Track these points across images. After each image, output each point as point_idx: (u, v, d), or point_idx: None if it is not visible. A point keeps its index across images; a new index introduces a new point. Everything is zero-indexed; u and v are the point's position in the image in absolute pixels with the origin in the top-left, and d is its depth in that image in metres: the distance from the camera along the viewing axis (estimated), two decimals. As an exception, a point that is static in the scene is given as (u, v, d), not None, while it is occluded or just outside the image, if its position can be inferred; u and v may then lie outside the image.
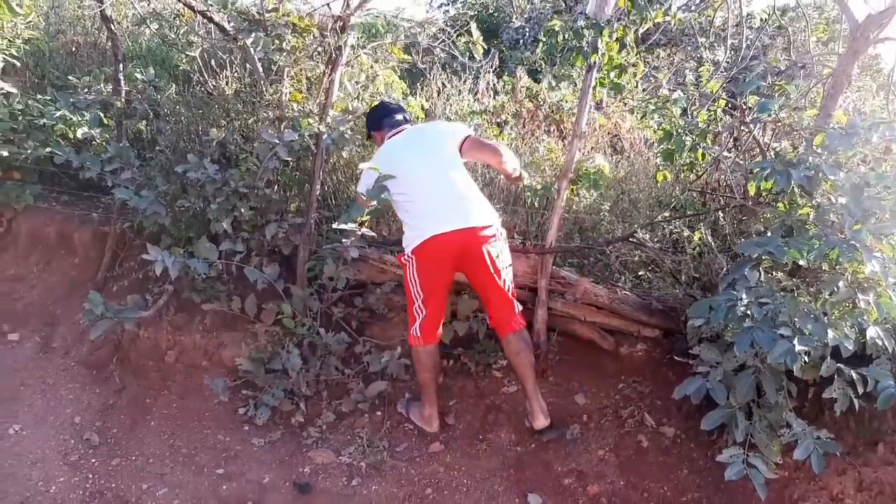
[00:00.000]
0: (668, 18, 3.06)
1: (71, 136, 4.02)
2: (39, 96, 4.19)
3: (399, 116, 3.27)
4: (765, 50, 5.81)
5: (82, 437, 3.07)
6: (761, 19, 6.29)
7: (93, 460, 2.95)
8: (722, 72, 3.77)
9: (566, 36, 2.86)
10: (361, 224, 3.20)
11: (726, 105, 3.21)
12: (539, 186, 3.42)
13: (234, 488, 2.80)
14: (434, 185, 2.98)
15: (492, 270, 2.94)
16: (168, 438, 3.08)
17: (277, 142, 3.28)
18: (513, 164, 3.13)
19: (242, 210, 3.37)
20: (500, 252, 2.98)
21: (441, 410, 3.20)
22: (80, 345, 3.56)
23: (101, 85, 3.82)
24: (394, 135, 3.18)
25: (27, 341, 3.62)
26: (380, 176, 2.94)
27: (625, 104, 4.07)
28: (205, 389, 3.31)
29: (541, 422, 3.02)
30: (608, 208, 3.83)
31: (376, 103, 3.45)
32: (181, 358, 3.45)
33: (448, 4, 10.31)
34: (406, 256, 2.99)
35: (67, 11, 5.64)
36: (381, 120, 3.26)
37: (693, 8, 3.75)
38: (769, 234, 2.74)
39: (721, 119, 3.19)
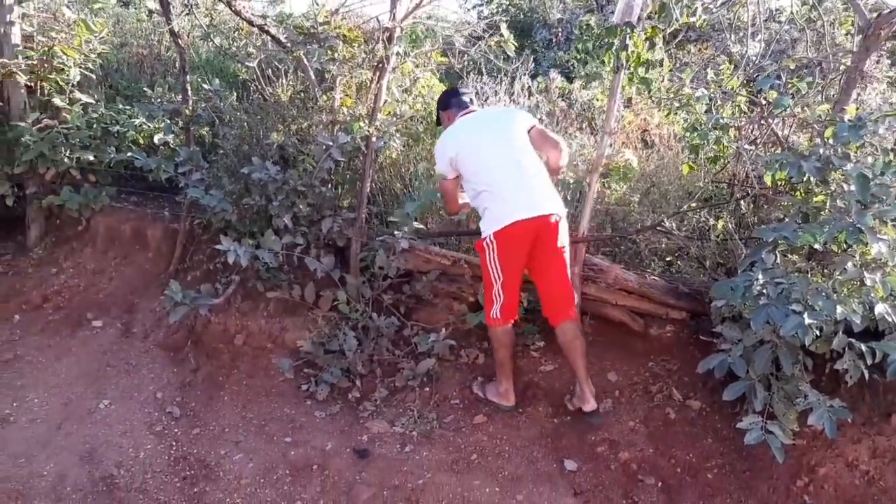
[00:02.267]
0: (693, 20, 3.29)
1: (141, 141, 4.44)
2: (111, 105, 4.61)
3: (467, 98, 3.43)
4: (793, 44, 5.94)
5: (165, 410, 3.44)
6: (791, 13, 6.41)
7: (175, 430, 3.32)
8: (748, 67, 3.97)
9: (599, 33, 3.11)
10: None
11: (748, 100, 3.43)
12: (572, 180, 3.68)
13: (301, 454, 3.13)
14: (510, 170, 3.10)
15: (559, 260, 3.14)
16: (240, 411, 3.44)
17: (331, 144, 3.61)
18: (566, 160, 3.31)
19: (301, 206, 3.70)
20: (566, 242, 3.18)
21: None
22: (158, 330, 3.94)
23: (171, 94, 4.20)
24: (464, 114, 3.33)
25: (110, 327, 4.01)
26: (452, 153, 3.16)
27: (653, 100, 4.29)
28: (270, 368, 3.66)
29: (591, 405, 3.20)
30: (638, 200, 4.07)
31: (446, 89, 3.65)
32: (248, 341, 3.81)
33: (482, 5, 10.56)
34: (487, 240, 3.12)
35: (130, 25, 6.08)
36: (449, 100, 3.43)
37: (717, 6, 3.93)
38: (787, 220, 2.97)
39: (744, 113, 3.41)
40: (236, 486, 2.97)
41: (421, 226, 3.58)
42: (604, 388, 3.44)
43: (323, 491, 2.93)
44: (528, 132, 3.22)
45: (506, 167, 3.12)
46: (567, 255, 3.19)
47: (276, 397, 3.53)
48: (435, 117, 3.64)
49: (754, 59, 4.29)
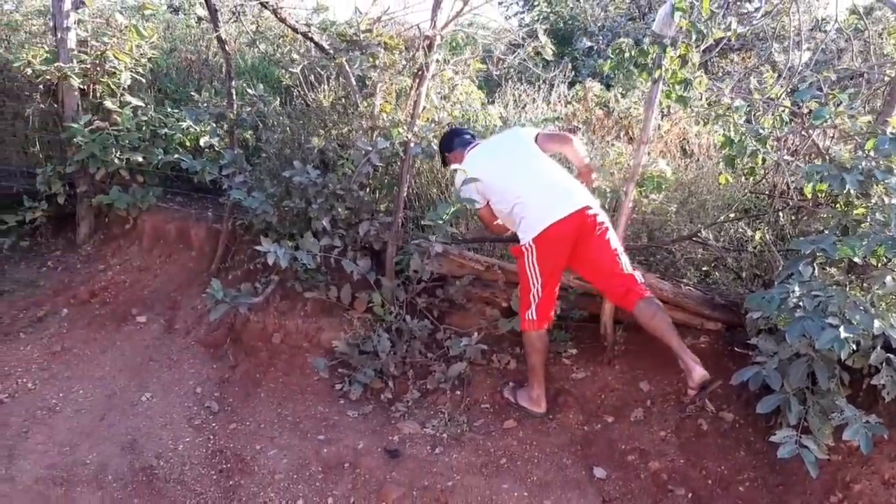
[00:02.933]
0: (728, 34, 3.28)
1: (188, 144, 4.58)
2: (160, 109, 4.77)
3: (467, 136, 3.61)
4: (840, 53, 5.84)
5: (203, 404, 3.54)
6: (839, 21, 6.30)
7: (213, 424, 3.42)
8: (790, 77, 3.92)
9: (632, 53, 3.13)
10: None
11: (789, 110, 3.39)
12: (608, 189, 3.69)
13: (333, 451, 3.19)
14: (532, 177, 3.21)
15: (606, 247, 3.17)
16: (276, 408, 3.52)
17: (370, 149, 3.69)
18: (583, 150, 3.40)
19: (339, 210, 3.78)
20: (607, 227, 3.21)
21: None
22: (199, 327, 4.06)
23: (217, 99, 4.33)
24: (471, 149, 3.49)
25: (153, 323, 4.15)
26: (470, 180, 3.32)
27: (691, 110, 4.27)
28: (306, 367, 3.74)
29: (699, 372, 2.95)
30: (675, 209, 4.05)
31: (445, 131, 3.81)
32: (285, 340, 3.90)
33: (523, 12, 10.59)
34: (526, 245, 3.17)
35: (179, 31, 6.27)
36: (452, 141, 3.61)
37: (759, 18, 3.90)
38: (826, 233, 2.94)
39: (785, 124, 3.37)
40: (270, 480, 3.05)
41: (455, 230, 3.62)
42: (636, 397, 3.44)
43: (354, 488, 2.99)
44: (535, 141, 3.36)
45: (528, 176, 3.23)
46: (614, 241, 3.21)
47: (310, 396, 3.60)
48: (440, 160, 3.80)
49: (798, 68, 4.24)
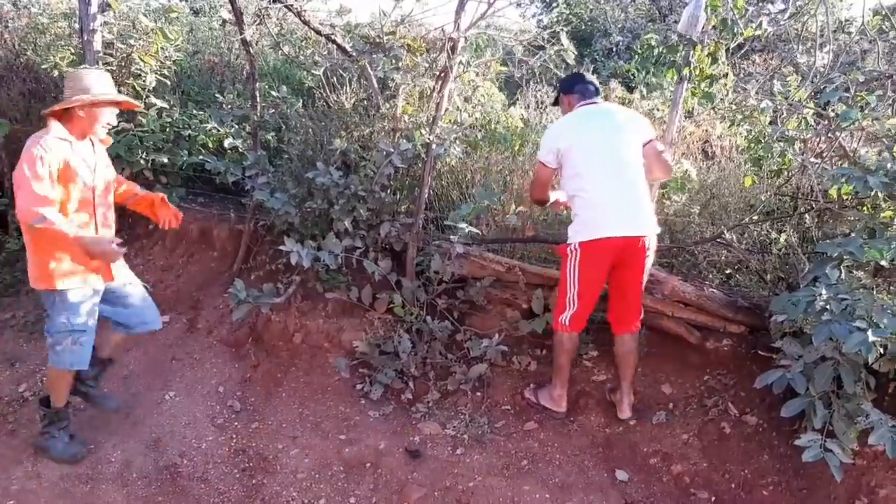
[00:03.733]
0: (758, 33, 3.26)
1: (211, 145, 4.62)
2: (184, 110, 4.81)
3: (592, 88, 3.25)
4: (863, 55, 5.77)
5: (226, 403, 3.57)
6: (863, 23, 6.23)
7: (236, 423, 3.45)
8: (815, 78, 3.89)
9: (661, 50, 3.11)
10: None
11: (815, 112, 3.36)
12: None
13: (355, 451, 3.21)
14: (614, 180, 3.00)
15: (639, 278, 3.13)
16: (297, 408, 3.54)
17: (392, 151, 3.70)
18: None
19: (361, 211, 3.80)
20: (651, 262, 3.16)
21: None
22: (221, 326, 4.09)
23: (240, 101, 4.37)
24: (585, 104, 3.19)
25: (176, 322, 4.19)
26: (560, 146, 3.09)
27: (715, 111, 4.24)
28: (327, 367, 3.76)
29: (626, 413, 3.31)
30: (698, 211, 4.02)
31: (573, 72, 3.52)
32: (307, 340, 3.92)
33: (541, 14, 10.59)
34: (572, 247, 3.07)
35: (202, 33, 6.33)
36: (573, 84, 3.27)
37: (785, 18, 3.87)
38: (852, 235, 2.91)
39: (810, 126, 3.35)
40: (292, 479, 3.07)
41: (476, 231, 3.62)
42: (658, 399, 3.42)
43: (375, 488, 3.01)
44: (645, 145, 3.13)
45: (610, 177, 3.02)
46: (647, 271, 3.17)
47: (331, 395, 3.62)
48: (554, 97, 3.49)
49: (822, 70, 4.20)
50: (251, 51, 4.14)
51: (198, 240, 4.69)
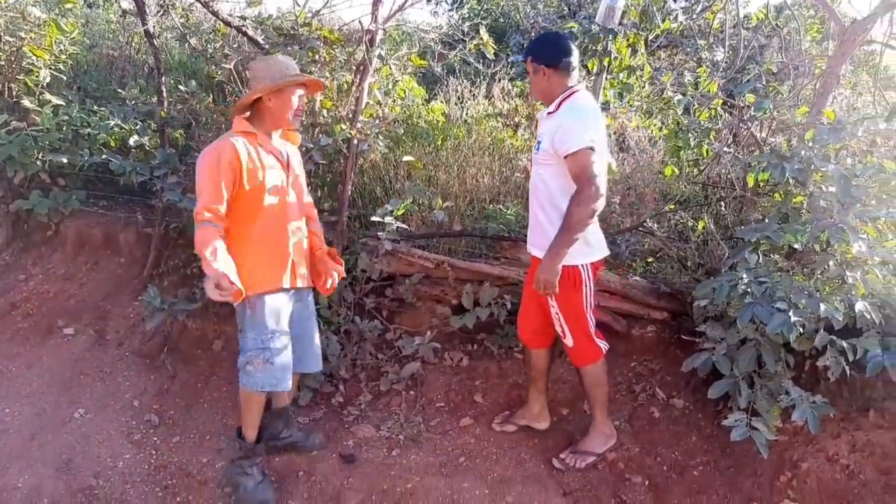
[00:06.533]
0: (674, 26, 3.34)
1: (113, 144, 4.33)
2: (82, 107, 4.49)
3: (575, 65, 2.68)
4: (761, 50, 6.08)
5: (143, 418, 3.35)
6: (757, 19, 6.58)
7: (154, 438, 3.24)
8: (720, 72, 4.05)
9: (582, 39, 3.14)
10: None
11: (724, 104, 3.49)
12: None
13: (286, 460, 3.07)
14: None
15: None
16: (221, 418, 3.36)
17: (312, 146, 3.57)
18: None
19: (282, 209, 3.64)
20: None
21: (469, 389, 3.49)
22: (133, 336, 3.84)
23: (145, 96, 4.11)
24: (580, 92, 2.67)
25: (82, 335, 3.90)
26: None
27: (631, 105, 4.35)
28: (251, 374, 3.59)
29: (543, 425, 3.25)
30: (618, 202, 4.11)
31: (555, 33, 2.83)
32: (227, 346, 3.73)
33: (452, 10, 10.59)
34: (584, 269, 2.73)
35: (98, 26, 5.95)
36: (562, 56, 2.63)
37: (696, 14, 4.00)
38: (767, 221, 3.03)
39: (721, 117, 3.48)
40: (219, 494, 2.91)
41: (405, 226, 3.55)
42: (588, 388, 3.46)
43: (310, 497, 2.89)
44: None
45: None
46: None
47: (258, 403, 3.46)
48: (531, 58, 2.69)
49: (724, 64, 4.38)
50: (155, 43, 3.90)
51: (102, 246, 4.38)
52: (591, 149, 2.49)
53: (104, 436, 3.22)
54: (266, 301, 2.69)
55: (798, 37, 4.98)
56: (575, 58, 2.66)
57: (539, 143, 2.72)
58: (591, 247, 2.76)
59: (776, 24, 5.70)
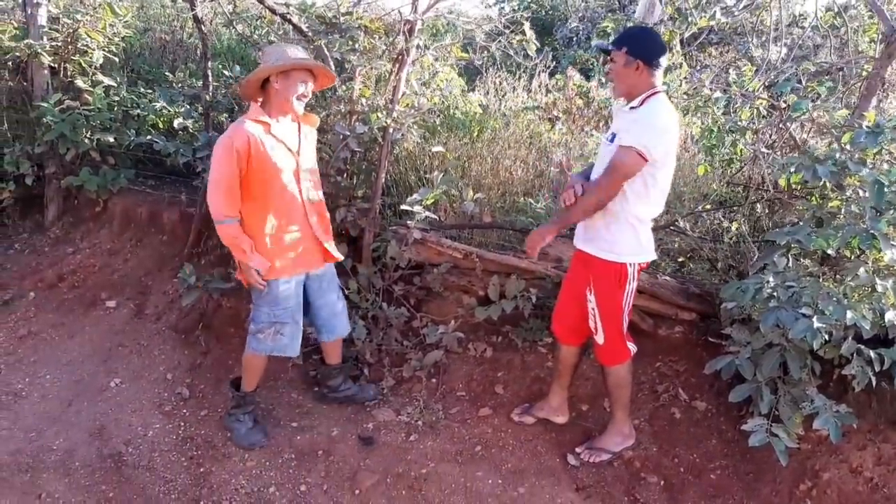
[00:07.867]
0: (712, 23, 3.29)
1: (161, 125, 4.48)
2: (132, 89, 4.66)
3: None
4: (816, 49, 5.89)
5: (174, 390, 3.49)
6: (815, 18, 6.38)
7: (184, 411, 3.36)
8: (768, 71, 3.95)
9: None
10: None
11: (766, 103, 3.41)
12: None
13: (307, 439, 3.16)
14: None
15: None
16: (249, 394, 3.47)
17: (348, 134, 3.63)
18: None
19: (316, 195, 3.72)
20: None
21: (490, 380, 3.51)
22: (170, 312, 3.99)
23: (192, 80, 4.24)
24: (662, 95, 2.62)
25: (123, 308, 4.07)
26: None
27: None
28: (280, 354, 3.70)
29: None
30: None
31: (650, 29, 2.83)
32: (259, 326, 3.83)
33: (503, 2, 10.54)
34: (630, 268, 2.72)
35: (153, 10, 6.14)
36: (661, 56, 2.58)
37: (739, 10, 3.91)
38: (801, 224, 2.96)
39: (763, 117, 3.40)
40: (241, 467, 3.00)
41: (434, 216, 3.58)
42: (610, 386, 3.44)
43: (327, 476, 2.96)
44: None
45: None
46: None
47: (284, 382, 3.56)
48: (620, 49, 2.56)
49: (776, 63, 4.27)
50: (203, 28, 4.02)
51: (147, 223, 4.55)
52: (642, 156, 2.47)
53: (137, 405, 3.37)
54: (280, 283, 2.90)
55: (855, 37, 4.82)
56: (666, 59, 2.62)
57: (614, 134, 2.67)
58: (642, 247, 2.72)
59: (834, 23, 5.51)
